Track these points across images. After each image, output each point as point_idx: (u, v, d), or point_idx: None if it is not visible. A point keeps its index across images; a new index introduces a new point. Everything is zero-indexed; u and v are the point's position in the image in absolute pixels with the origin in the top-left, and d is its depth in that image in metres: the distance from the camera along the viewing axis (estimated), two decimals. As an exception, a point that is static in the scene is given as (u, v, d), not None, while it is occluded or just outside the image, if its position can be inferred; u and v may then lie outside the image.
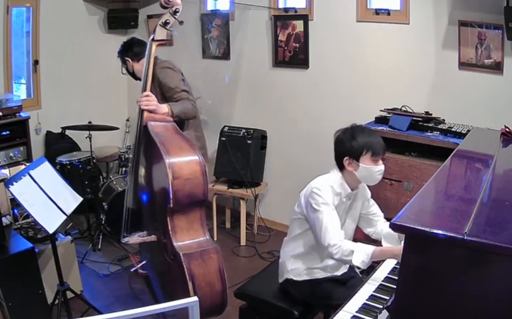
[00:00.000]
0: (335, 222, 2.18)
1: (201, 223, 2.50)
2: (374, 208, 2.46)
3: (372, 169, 2.21)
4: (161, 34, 2.61)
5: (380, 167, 2.23)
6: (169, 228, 2.41)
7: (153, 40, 2.62)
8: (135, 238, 2.65)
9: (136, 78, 3.01)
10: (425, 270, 1.30)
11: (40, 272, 2.70)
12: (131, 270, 2.77)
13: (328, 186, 2.25)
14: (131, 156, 2.71)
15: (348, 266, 2.42)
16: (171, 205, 2.35)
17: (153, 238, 2.59)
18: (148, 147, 2.56)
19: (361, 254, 2.06)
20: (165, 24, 2.59)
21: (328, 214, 2.18)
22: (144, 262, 2.67)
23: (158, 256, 2.60)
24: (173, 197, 2.34)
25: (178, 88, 2.82)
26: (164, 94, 2.83)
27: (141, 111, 2.58)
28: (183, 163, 2.40)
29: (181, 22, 2.61)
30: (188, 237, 2.46)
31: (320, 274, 2.36)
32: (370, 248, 2.07)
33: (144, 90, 2.62)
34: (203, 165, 2.45)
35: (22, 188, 2.48)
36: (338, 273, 2.40)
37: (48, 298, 2.76)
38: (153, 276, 2.78)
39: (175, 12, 2.58)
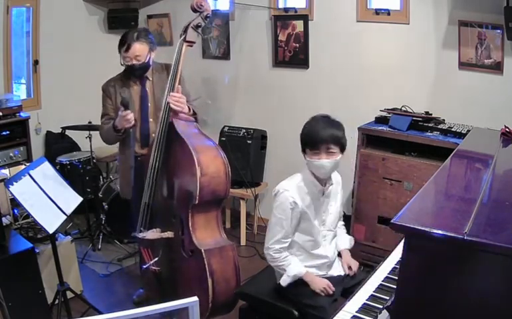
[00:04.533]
0: (278, 230, 2.28)
1: (217, 221, 2.61)
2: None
3: (314, 163, 2.23)
4: (192, 36, 2.69)
5: (320, 161, 2.20)
6: (190, 224, 2.47)
7: (184, 40, 2.67)
8: (151, 233, 2.66)
9: (132, 71, 2.84)
10: (425, 270, 1.30)
11: (40, 272, 2.70)
12: (144, 267, 2.74)
13: (293, 187, 2.29)
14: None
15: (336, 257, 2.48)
16: (196, 202, 2.42)
17: (170, 234, 2.62)
18: (172, 144, 2.59)
19: (287, 278, 2.27)
20: (197, 27, 2.69)
21: (277, 219, 2.29)
22: (157, 258, 2.67)
23: (172, 253, 2.63)
24: (200, 194, 2.42)
25: (190, 95, 2.89)
26: None
27: (169, 108, 2.61)
28: (210, 161, 2.51)
29: (208, 28, 2.69)
30: (206, 234, 2.54)
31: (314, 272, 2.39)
32: (297, 275, 2.27)
33: (172, 89, 2.65)
34: (227, 165, 2.56)
35: (22, 188, 2.49)
36: (334, 273, 2.42)
37: (48, 298, 2.76)
38: (164, 273, 2.76)
39: (206, 17, 2.69)
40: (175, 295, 2.60)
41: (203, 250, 2.42)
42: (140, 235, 2.70)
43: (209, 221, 2.57)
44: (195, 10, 2.69)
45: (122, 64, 2.86)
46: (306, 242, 2.35)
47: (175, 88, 2.67)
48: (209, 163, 2.50)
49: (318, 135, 2.21)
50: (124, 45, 2.80)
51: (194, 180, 2.41)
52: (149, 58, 2.84)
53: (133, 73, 2.85)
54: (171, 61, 2.77)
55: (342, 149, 2.25)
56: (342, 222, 2.58)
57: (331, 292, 2.25)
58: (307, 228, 2.33)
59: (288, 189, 2.27)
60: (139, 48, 2.77)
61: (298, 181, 2.31)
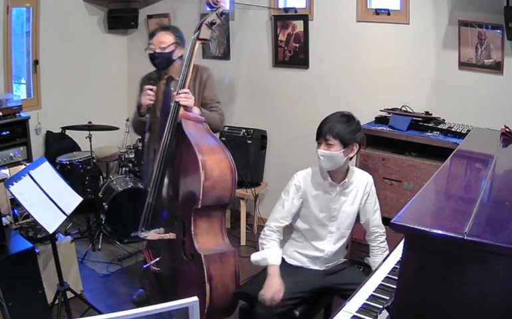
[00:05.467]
0: (279, 210, 2.40)
1: (221, 226, 2.57)
2: (370, 215, 2.44)
3: (317, 153, 2.31)
4: (206, 33, 2.64)
5: (318, 150, 2.29)
6: (192, 227, 2.44)
7: (197, 38, 2.63)
8: (152, 234, 2.63)
9: (156, 60, 2.83)
10: (425, 270, 1.30)
11: (40, 272, 2.70)
12: (144, 266, 2.73)
13: (303, 174, 2.39)
14: (156, 149, 2.71)
15: (335, 261, 2.49)
16: (199, 206, 2.38)
17: (171, 235, 2.59)
18: (179, 145, 2.56)
19: (257, 256, 2.36)
20: (211, 24, 2.63)
21: (281, 201, 2.40)
22: (158, 259, 2.65)
23: (173, 255, 2.61)
24: (203, 198, 2.37)
25: (215, 99, 2.89)
26: (201, 99, 2.86)
27: (177, 107, 2.57)
28: (215, 164, 2.44)
29: (224, 25, 2.66)
30: (208, 238, 2.50)
31: (303, 263, 2.46)
32: (266, 259, 2.31)
33: (183, 86, 2.62)
34: (234, 169, 2.49)
35: (22, 188, 2.48)
36: (321, 268, 2.46)
37: (48, 298, 2.76)
38: (164, 274, 2.75)
39: (222, 13, 2.63)
40: (175, 296, 2.60)
41: (202, 255, 2.39)
42: (142, 235, 2.67)
43: (212, 225, 2.53)
44: (211, 7, 2.64)
45: (145, 51, 2.86)
46: (305, 231, 2.42)
47: (186, 84, 2.63)
48: (215, 166, 2.43)
49: (320, 126, 2.30)
50: (151, 34, 2.85)
51: (198, 183, 2.37)
52: (174, 52, 2.81)
53: (154, 61, 2.83)
54: None
55: (344, 144, 2.26)
56: (382, 240, 2.45)
57: (265, 304, 2.21)
58: (306, 216, 2.40)
59: (298, 174, 2.41)
60: (164, 37, 2.78)
61: (311, 171, 2.40)
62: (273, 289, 2.22)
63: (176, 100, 2.58)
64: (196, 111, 2.68)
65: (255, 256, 2.37)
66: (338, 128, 2.25)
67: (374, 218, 2.45)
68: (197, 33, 2.64)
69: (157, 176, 2.64)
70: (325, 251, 2.41)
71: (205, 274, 2.37)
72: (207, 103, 2.84)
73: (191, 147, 2.43)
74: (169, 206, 2.68)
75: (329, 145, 2.25)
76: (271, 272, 2.28)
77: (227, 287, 2.47)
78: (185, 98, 2.59)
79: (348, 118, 2.31)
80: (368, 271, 2.36)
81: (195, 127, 2.58)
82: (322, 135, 2.27)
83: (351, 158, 2.36)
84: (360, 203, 2.42)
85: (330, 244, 2.41)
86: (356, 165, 3.39)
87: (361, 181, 2.42)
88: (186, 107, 2.60)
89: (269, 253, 2.33)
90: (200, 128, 2.60)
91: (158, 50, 2.78)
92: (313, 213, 2.38)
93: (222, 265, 2.47)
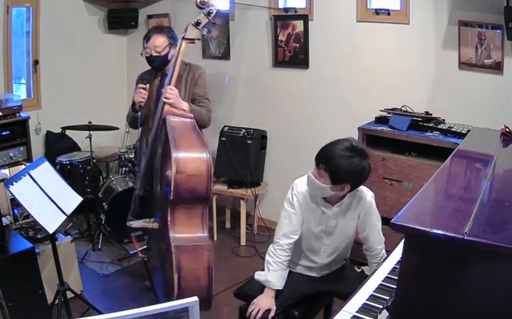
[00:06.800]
0: (286, 224, 2.26)
1: (202, 220, 2.58)
2: (367, 231, 2.35)
3: None
4: (192, 33, 2.72)
5: (309, 171, 2.17)
6: (169, 219, 2.50)
7: (183, 38, 2.72)
8: (139, 223, 2.78)
9: (153, 63, 2.95)
10: (425, 270, 1.30)
11: (40, 272, 2.70)
12: (131, 252, 2.87)
13: (305, 186, 2.25)
14: (147, 143, 2.88)
15: (330, 269, 2.46)
16: (171, 197, 2.44)
17: (155, 225, 2.71)
18: (164, 140, 2.65)
19: (261, 276, 2.28)
20: (197, 24, 2.70)
21: (287, 213, 2.26)
22: (145, 246, 2.78)
23: (159, 244, 2.71)
24: (174, 190, 2.43)
25: (205, 95, 3.00)
26: (191, 95, 2.97)
27: (164, 103, 2.68)
28: (189, 159, 2.48)
29: (214, 24, 2.71)
30: (185, 230, 2.54)
31: (296, 270, 2.43)
32: (269, 282, 2.25)
33: (169, 83, 2.71)
34: (209, 165, 2.51)
35: (22, 188, 2.49)
36: (318, 275, 2.44)
37: (48, 298, 2.76)
38: (155, 263, 2.88)
39: (209, 13, 2.70)
40: (159, 284, 2.75)
41: (172, 245, 2.43)
42: (128, 223, 2.84)
43: (190, 218, 2.54)
44: (198, 7, 2.71)
45: (141, 55, 2.97)
46: (300, 241, 2.35)
47: (173, 82, 2.72)
48: (188, 161, 2.46)
49: (320, 151, 2.14)
50: (146, 37, 2.95)
51: (170, 176, 2.44)
52: (169, 53, 2.92)
53: (151, 64, 2.96)
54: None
55: (334, 179, 2.09)
56: (380, 257, 2.37)
57: (252, 315, 2.24)
58: (302, 227, 2.32)
59: (297, 184, 2.29)
60: (158, 40, 2.89)
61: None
62: (262, 306, 2.22)
63: (162, 97, 2.69)
64: (184, 106, 2.75)
65: (258, 276, 2.30)
66: (334, 163, 2.05)
67: (373, 235, 2.35)
68: (183, 33, 2.73)
69: (144, 169, 2.79)
70: (318, 263, 2.39)
71: (174, 264, 2.41)
72: (196, 99, 2.96)
73: (168, 141, 2.52)
74: (155, 198, 2.81)
75: (319, 174, 2.11)
76: (267, 291, 2.26)
77: (198, 280, 2.47)
78: (169, 95, 2.67)
79: (352, 154, 2.07)
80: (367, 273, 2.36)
81: (181, 124, 2.64)
82: (317, 160, 2.13)
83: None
84: (358, 218, 2.34)
85: (324, 257, 2.37)
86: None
87: (360, 198, 2.30)
88: (171, 104, 2.67)
89: (273, 277, 2.25)
90: (185, 124, 2.65)
91: (154, 54, 2.90)
92: (309, 226, 2.29)
93: (194, 257, 2.47)
